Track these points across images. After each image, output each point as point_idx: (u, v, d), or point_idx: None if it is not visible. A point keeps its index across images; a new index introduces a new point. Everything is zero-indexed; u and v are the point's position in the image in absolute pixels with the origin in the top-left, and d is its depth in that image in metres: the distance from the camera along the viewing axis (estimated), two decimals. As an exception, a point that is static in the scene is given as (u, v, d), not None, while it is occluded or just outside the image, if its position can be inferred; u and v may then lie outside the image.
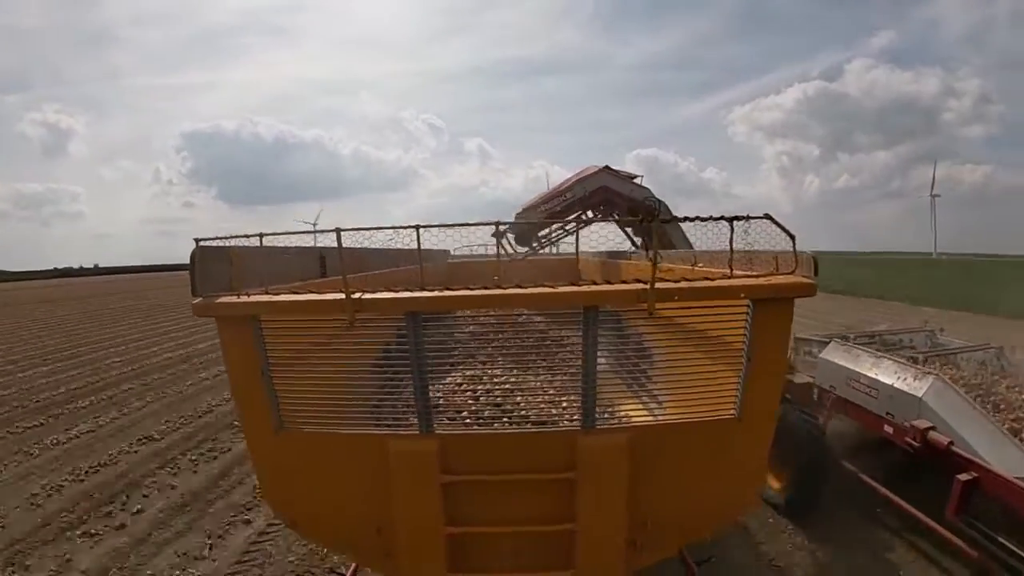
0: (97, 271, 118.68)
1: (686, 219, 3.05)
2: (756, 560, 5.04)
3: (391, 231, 3.05)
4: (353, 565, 3.82)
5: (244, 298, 2.85)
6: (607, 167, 6.67)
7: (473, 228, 2.97)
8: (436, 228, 3.05)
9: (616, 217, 6.54)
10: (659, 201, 6.38)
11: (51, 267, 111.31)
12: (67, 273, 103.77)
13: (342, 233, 2.81)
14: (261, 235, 2.97)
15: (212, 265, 2.96)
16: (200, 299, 2.85)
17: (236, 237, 3.00)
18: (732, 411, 2.82)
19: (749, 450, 2.93)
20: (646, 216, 4.61)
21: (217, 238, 2.97)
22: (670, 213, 5.45)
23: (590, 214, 6.86)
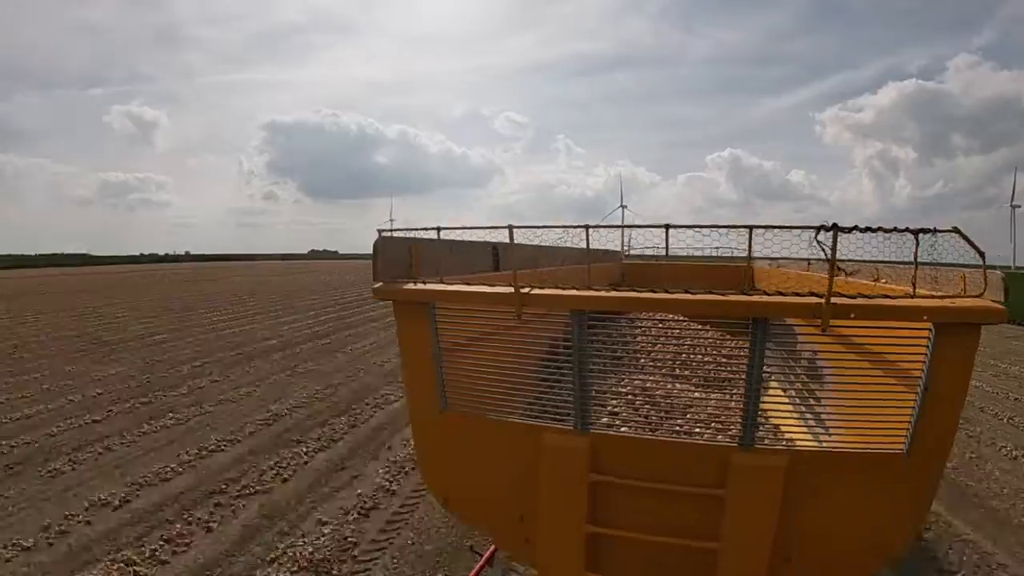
0: (189, 258, 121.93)
1: (868, 229, 2.85)
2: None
3: (561, 230, 3.15)
4: (492, 547, 3.97)
5: (420, 285, 3.08)
6: None
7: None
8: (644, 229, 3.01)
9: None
10: None
11: (136, 253, 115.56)
12: (160, 259, 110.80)
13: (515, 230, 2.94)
14: (439, 228, 3.20)
15: (392, 253, 3.23)
16: (380, 284, 3.12)
17: (415, 230, 3.26)
18: (901, 445, 2.54)
19: (913, 490, 2.64)
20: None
21: (397, 230, 3.25)
22: None
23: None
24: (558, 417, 3.06)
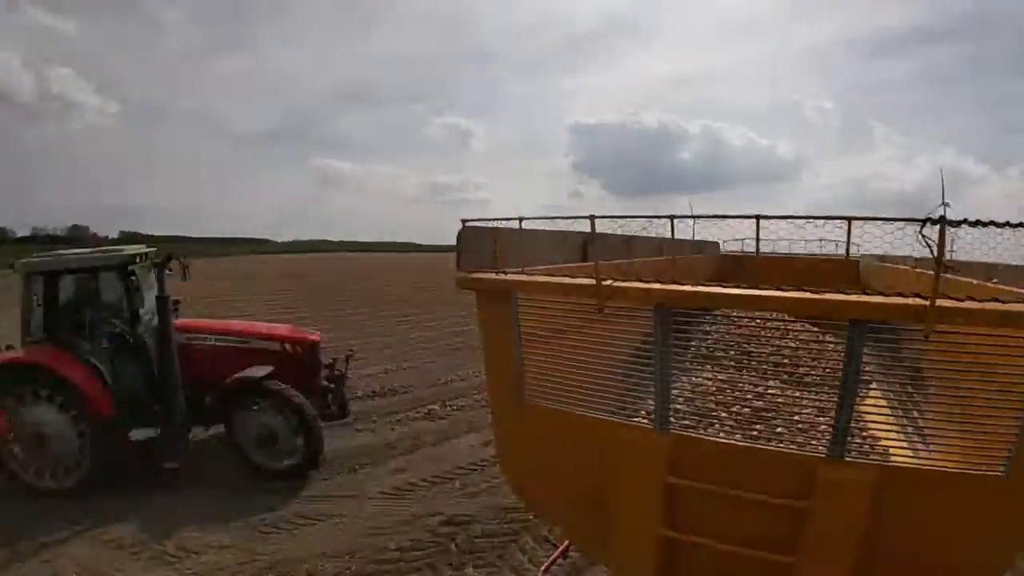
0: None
1: (979, 223, 2.48)
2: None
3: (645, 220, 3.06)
4: (566, 543, 3.99)
5: (502, 275, 3.11)
6: None
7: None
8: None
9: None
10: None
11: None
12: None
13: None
14: (520, 218, 3.22)
15: (476, 243, 3.27)
16: (462, 274, 3.16)
17: (500, 220, 3.31)
18: (1001, 468, 2.27)
19: (1009, 519, 2.36)
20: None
21: (482, 219, 3.31)
22: None
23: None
24: (638, 415, 2.99)
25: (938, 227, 2.24)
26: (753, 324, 3.24)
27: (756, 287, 2.56)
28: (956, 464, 2.40)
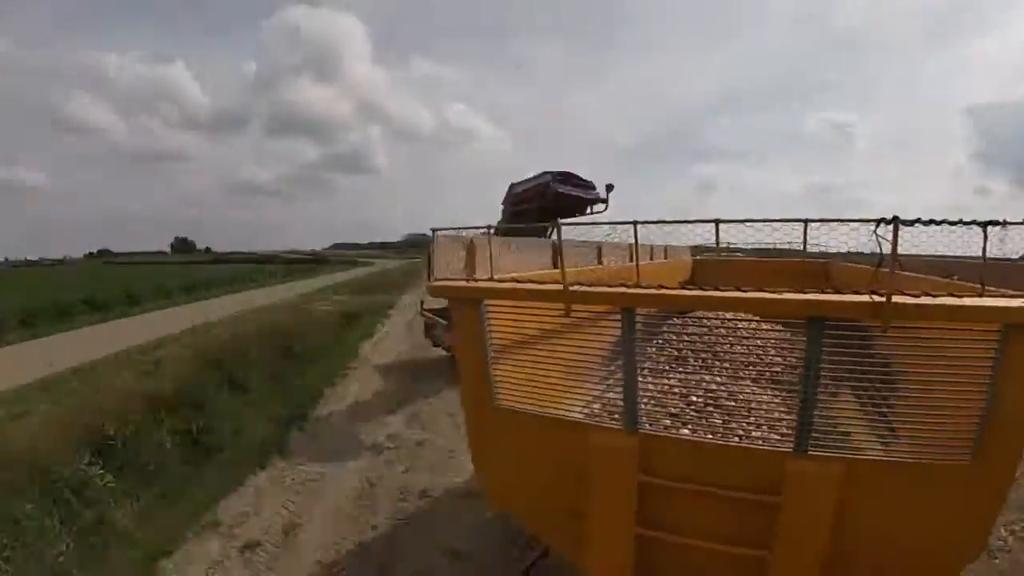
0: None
1: (932, 222, 2.57)
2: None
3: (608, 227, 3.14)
4: (544, 547, 4.03)
5: (471, 283, 3.18)
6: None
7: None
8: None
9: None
10: None
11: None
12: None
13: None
14: (489, 227, 3.28)
15: (448, 252, 3.35)
16: (434, 282, 3.22)
17: (468, 228, 3.38)
18: (966, 456, 2.36)
19: (977, 504, 2.45)
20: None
21: (451, 228, 3.37)
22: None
23: None
24: (607, 416, 3.05)
25: (891, 226, 2.33)
26: (718, 325, 3.30)
27: (716, 289, 2.63)
28: (921, 454, 2.47)
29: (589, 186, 8.56)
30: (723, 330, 3.40)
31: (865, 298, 2.35)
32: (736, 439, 2.87)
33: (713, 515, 2.78)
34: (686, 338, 3.56)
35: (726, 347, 3.34)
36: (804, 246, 2.83)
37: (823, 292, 2.49)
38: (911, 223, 2.30)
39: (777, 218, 2.63)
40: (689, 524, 2.83)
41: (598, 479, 2.94)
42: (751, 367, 3.22)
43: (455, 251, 3.38)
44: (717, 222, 2.67)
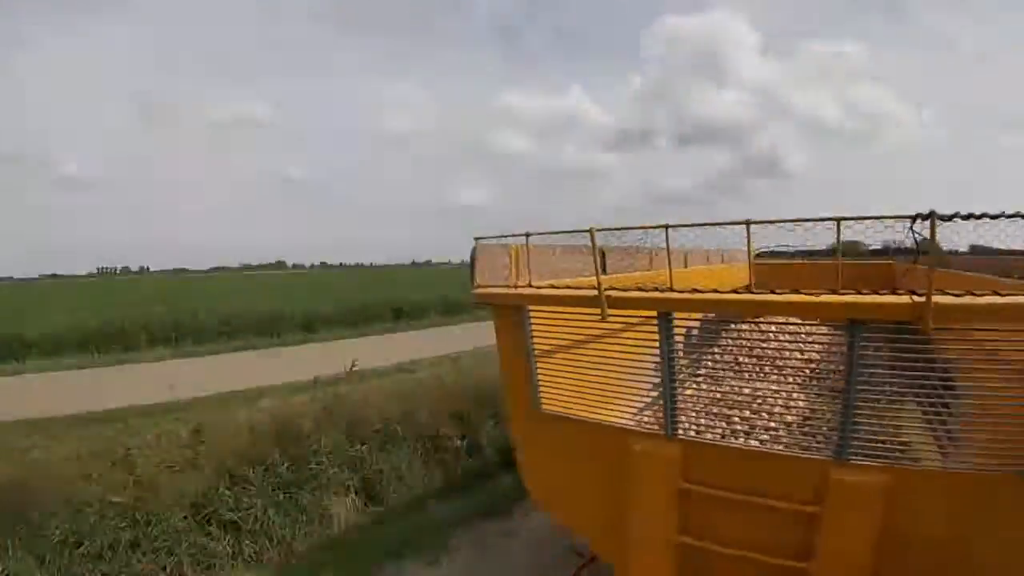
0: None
1: (971, 216, 2.37)
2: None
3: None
4: (591, 553, 4.03)
5: (513, 289, 3.25)
6: None
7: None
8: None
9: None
10: None
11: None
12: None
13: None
14: (527, 234, 3.36)
15: (491, 259, 3.40)
16: (477, 288, 3.28)
17: (511, 236, 3.47)
18: (1020, 466, 2.24)
19: None
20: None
21: (496, 236, 3.48)
22: None
23: None
24: (648, 422, 3.04)
25: (928, 222, 2.23)
26: (762, 330, 3.23)
27: (753, 292, 2.60)
28: (973, 463, 2.37)
29: None
30: (764, 334, 3.32)
31: (905, 299, 2.27)
32: (779, 447, 2.82)
33: (753, 524, 2.73)
34: (729, 343, 3.50)
35: (768, 351, 3.27)
36: (838, 245, 2.73)
37: (859, 294, 2.42)
38: (948, 218, 2.19)
39: (811, 218, 2.56)
40: (729, 533, 2.78)
41: (639, 485, 2.93)
42: (795, 372, 3.14)
43: (498, 258, 3.49)
44: (748, 223, 2.65)
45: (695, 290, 2.81)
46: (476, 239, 3.38)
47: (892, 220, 2.36)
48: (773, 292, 2.54)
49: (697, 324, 3.02)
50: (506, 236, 3.45)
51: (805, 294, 2.47)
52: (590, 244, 2.91)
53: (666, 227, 2.90)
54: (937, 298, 2.17)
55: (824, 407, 2.82)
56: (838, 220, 2.52)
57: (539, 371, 3.19)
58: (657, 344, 2.81)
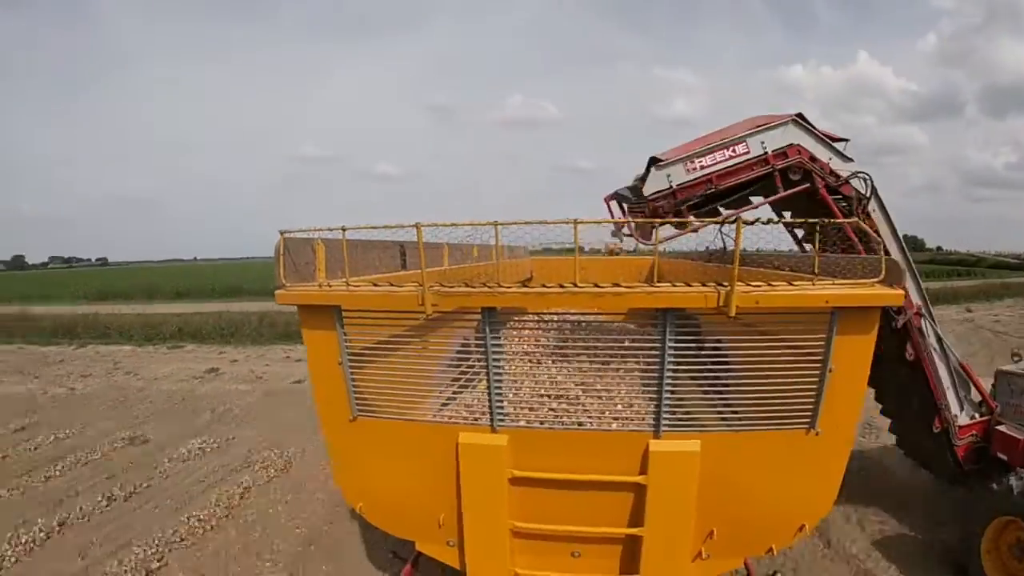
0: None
1: (770, 221, 2.95)
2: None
3: (470, 227, 3.07)
4: (416, 553, 3.85)
5: (326, 289, 2.94)
6: (798, 116, 4.25)
7: None
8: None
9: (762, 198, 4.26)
10: (868, 178, 4.18)
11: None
12: None
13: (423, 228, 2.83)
14: (344, 228, 3.03)
15: (296, 256, 3.06)
16: (283, 288, 2.94)
17: (320, 230, 3.09)
18: (808, 424, 2.75)
19: (823, 465, 2.86)
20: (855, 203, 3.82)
21: (301, 230, 3.06)
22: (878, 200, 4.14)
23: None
24: (473, 416, 3.05)
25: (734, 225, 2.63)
26: (573, 320, 3.44)
27: (574, 285, 2.71)
28: (769, 425, 2.78)
29: None
30: (582, 325, 3.54)
31: (709, 289, 2.61)
32: (599, 427, 3.01)
33: (586, 501, 2.92)
34: (546, 335, 3.66)
35: (586, 340, 3.49)
36: (656, 244, 3.10)
37: (674, 285, 2.70)
38: (751, 223, 2.63)
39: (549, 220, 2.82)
40: (564, 513, 2.94)
41: (468, 479, 2.96)
42: (607, 359, 3.40)
43: (304, 255, 3.08)
44: (576, 222, 2.77)
45: (523, 284, 2.86)
46: (281, 233, 2.97)
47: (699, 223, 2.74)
48: (596, 286, 2.69)
49: (516, 317, 3.07)
50: (315, 230, 3.09)
51: (624, 287, 2.70)
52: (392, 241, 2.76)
53: (496, 224, 2.88)
54: (738, 288, 2.54)
55: (640, 389, 3.09)
56: (575, 223, 2.78)
57: (355, 376, 3.00)
58: (478, 339, 2.84)
